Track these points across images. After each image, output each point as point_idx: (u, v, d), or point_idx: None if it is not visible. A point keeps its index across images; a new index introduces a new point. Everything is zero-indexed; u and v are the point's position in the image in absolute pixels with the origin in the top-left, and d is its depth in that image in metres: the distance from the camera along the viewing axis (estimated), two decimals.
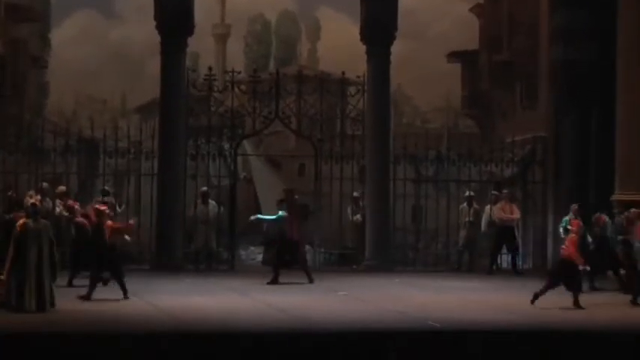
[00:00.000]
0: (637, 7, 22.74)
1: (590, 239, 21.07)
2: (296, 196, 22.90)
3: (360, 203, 26.44)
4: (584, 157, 25.93)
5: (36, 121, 28.39)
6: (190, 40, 25.81)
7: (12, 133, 25.99)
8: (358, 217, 26.27)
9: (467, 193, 26.28)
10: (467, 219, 26.01)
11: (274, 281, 21.04)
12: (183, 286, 21.15)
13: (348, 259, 26.11)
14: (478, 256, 26.39)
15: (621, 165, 23.03)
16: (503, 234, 24.77)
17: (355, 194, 26.39)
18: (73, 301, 17.83)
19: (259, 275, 23.56)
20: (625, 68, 23.02)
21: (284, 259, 21.64)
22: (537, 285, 18.54)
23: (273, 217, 21.76)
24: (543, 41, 28.27)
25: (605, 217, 21.42)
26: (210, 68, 26.52)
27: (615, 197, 22.68)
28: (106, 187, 24.45)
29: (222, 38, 52.20)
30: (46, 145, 25.28)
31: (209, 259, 25.36)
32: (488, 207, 26.02)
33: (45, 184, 23.52)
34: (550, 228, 25.64)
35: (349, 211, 26.43)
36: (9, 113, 29.41)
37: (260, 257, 27.14)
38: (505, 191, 26.02)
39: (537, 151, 27.28)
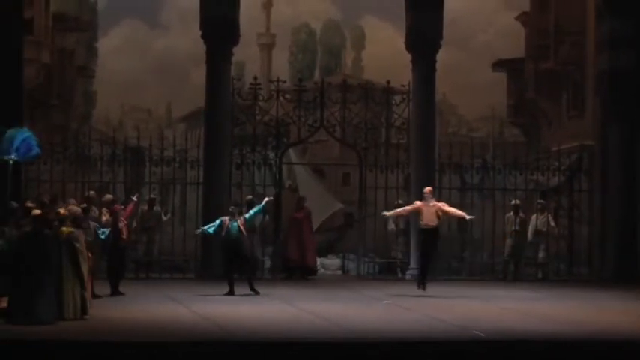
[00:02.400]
0: None
1: None
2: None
3: None
4: (631, 165, 25.73)
5: (83, 131, 28.62)
6: (235, 50, 25.92)
7: (59, 143, 26.22)
8: (393, 226, 26.25)
9: (513, 202, 26.16)
10: (513, 228, 25.91)
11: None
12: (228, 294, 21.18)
13: (392, 268, 26.04)
14: (524, 265, 26.26)
15: None
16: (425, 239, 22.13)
17: (398, 202, 26.32)
18: (119, 309, 17.95)
19: (303, 284, 23.64)
20: None
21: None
22: (579, 294, 18.37)
23: (215, 224, 21.39)
24: (590, 49, 28.12)
25: None
26: (255, 77, 26.62)
27: None
28: (152, 196, 24.58)
29: (267, 47, 52.27)
30: (92, 154, 25.48)
31: (254, 268, 25.37)
32: (534, 216, 25.90)
33: (92, 193, 23.69)
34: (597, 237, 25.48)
35: (391, 220, 26.39)
36: (56, 123, 29.70)
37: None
38: (541, 201, 25.96)
39: (584, 160, 27.10)
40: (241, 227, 20.48)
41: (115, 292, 20.39)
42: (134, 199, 21.69)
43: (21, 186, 22.63)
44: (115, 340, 14.60)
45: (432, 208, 21.10)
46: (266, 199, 22.15)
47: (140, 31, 44.92)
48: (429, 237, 21.22)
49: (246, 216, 21.21)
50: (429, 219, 21.02)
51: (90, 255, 17.32)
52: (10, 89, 23.03)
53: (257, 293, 20.45)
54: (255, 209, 21.76)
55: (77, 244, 16.52)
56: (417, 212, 21.45)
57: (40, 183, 24.65)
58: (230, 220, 20.61)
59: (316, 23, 50.90)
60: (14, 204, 18.18)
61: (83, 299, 16.58)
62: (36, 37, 27.48)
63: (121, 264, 20.92)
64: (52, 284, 16.02)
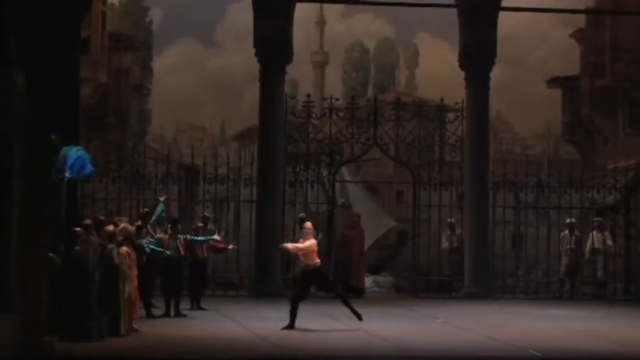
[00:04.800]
0: None
1: None
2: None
3: (456, 230, 26.31)
4: None
5: (138, 148, 28.82)
6: (289, 68, 26.01)
7: (114, 160, 26.43)
8: (446, 244, 26.17)
9: (568, 220, 25.94)
10: (568, 246, 25.70)
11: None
12: (282, 312, 21.16)
13: (446, 286, 25.92)
14: (581, 284, 26.02)
15: None
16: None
17: (450, 220, 26.25)
18: (173, 326, 18.03)
19: (356, 302, 23.54)
20: None
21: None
22: (637, 314, 18.14)
23: (202, 238, 21.21)
24: None
25: None
26: (308, 95, 26.66)
27: None
28: (207, 214, 24.68)
29: (320, 65, 52.46)
30: (147, 172, 25.64)
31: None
32: (592, 234, 25.69)
33: (147, 210, 23.83)
34: None
35: (444, 238, 26.31)
36: (112, 140, 29.98)
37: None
38: (598, 219, 25.75)
39: None
40: (180, 246, 20.19)
41: (198, 307, 20.89)
42: (231, 247, 22.03)
43: (77, 204, 22.81)
44: (162, 358, 14.66)
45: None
46: (215, 236, 21.55)
47: (195, 50, 45.28)
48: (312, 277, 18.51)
49: (189, 237, 20.65)
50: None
51: (137, 273, 17.40)
52: (67, 108, 23.22)
53: (184, 315, 19.99)
54: (201, 238, 21.06)
55: (117, 262, 16.66)
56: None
57: (95, 201, 24.83)
58: (171, 237, 20.13)
59: (370, 41, 51.02)
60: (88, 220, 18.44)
61: (116, 317, 16.60)
62: (92, 56, 27.79)
63: (202, 280, 21.32)
64: (96, 301, 16.13)
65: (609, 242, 25.83)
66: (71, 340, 15.52)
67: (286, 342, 16.39)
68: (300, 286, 18.50)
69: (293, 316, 17.92)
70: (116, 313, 16.57)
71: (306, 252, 18.13)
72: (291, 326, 17.81)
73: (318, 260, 18.27)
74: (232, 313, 20.31)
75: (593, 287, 26.04)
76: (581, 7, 30.77)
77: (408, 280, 26.68)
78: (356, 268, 25.53)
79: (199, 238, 20.97)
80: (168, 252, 19.66)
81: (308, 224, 18.73)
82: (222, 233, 24.80)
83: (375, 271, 28.65)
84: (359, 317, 17.95)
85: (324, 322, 19.13)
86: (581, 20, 31.88)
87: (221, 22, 45.87)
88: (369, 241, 27.83)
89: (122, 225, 17.91)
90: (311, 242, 18.14)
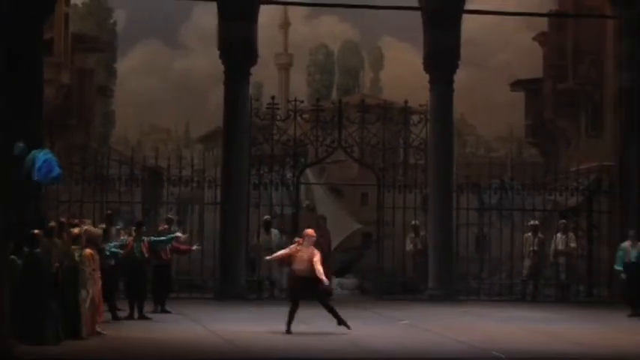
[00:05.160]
0: None
1: None
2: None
3: (420, 232, 26.40)
4: None
5: (101, 150, 28.71)
6: (253, 70, 25.99)
7: (78, 162, 26.29)
8: (411, 247, 26.26)
9: (531, 222, 26.10)
10: (531, 248, 25.84)
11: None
12: (246, 314, 21.18)
13: (410, 288, 25.99)
14: (543, 286, 26.19)
15: None
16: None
17: (415, 223, 26.34)
18: (136, 329, 17.96)
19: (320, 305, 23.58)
20: None
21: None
22: (599, 316, 18.27)
23: (164, 238, 21.12)
24: (609, 69, 28.06)
25: None
26: (273, 97, 26.64)
27: None
28: (170, 216, 24.61)
29: (285, 68, 52.45)
30: (111, 174, 25.53)
31: (272, 288, 25.40)
32: (555, 236, 25.86)
33: (109, 212, 23.74)
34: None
35: (408, 240, 26.39)
36: (75, 142, 29.80)
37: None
38: (563, 221, 25.97)
39: (603, 180, 27.00)
40: (144, 250, 20.14)
41: (162, 309, 20.76)
42: (195, 248, 21.92)
43: (41, 206, 22.72)
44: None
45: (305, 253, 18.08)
46: (178, 233, 21.44)
47: (159, 52, 45.14)
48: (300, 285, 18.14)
49: (152, 239, 20.47)
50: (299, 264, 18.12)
51: (102, 276, 17.31)
52: (30, 110, 23.10)
53: (147, 318, 19.87)
54: (164, 238, 20.85)
55: (80, 265, 16.57)
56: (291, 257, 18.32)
57: (59, 203, 24.69)
58: (135, 240, 20.01)
59: (334, 44, 51.07)
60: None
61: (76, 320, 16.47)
62: (56, 57, 27.61)
63: (166, 282, 21.19)
64: (55, 304, 16.02)
65: (572, 244, 25.99)
66: (29, 343, 15.40)
67: (251, 344, 16.37)
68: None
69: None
70: (77, 315, 16.45)
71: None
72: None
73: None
74: (197, 316, 20.27)
75: (555, 289, 26.19)
76: (544, 10, 30.95)
77: (372, 282, 26.73)
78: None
79: (162, 239, 20.88)
80: (121, 252, 19.42)
81: (310, 231, 18.37)
82: (186, 234, 24.77)
83: (339, 273, 28.67)
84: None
85: (293, 325, 19.11)
86: (544, 23, 32.05)
87: (186, 23, 45.73)
88: (333, 244, 27.83)
89: (85, 227, 17.84)
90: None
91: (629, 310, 21.66)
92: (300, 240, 18.18)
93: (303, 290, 17.92)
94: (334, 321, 17.92)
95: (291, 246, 18.38)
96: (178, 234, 21.61)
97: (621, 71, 26.55)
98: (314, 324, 18.50)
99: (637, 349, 16.61)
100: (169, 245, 21.11)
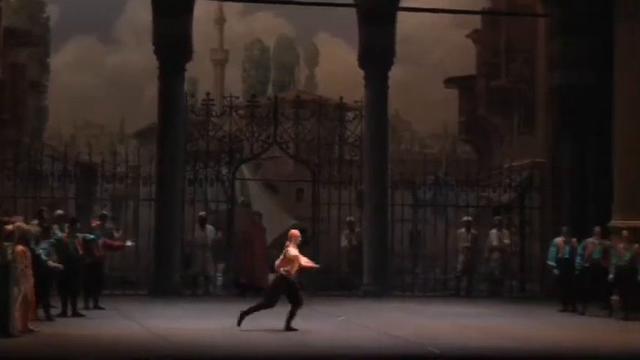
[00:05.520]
0: (633, 34, 22.83)
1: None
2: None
3: (355, 228, 26.50)
4: (582, 182, 26.00)
5: (34, 146, 28.39)
6: (189, 66, 25.88)
7: (10, 158, 25.98)
8: (346, 243, 26.35)
9: (464, 218, 26.33)
10: (465, 244, 26.06)
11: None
12: (180, 311, 21.11)
13: (345, 284, 26.08)
14: (477, 281, 26.43)
15: (619, 191, 23.05)
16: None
17: (350, 219, 26.44)
18: (69, 326, 17.81)
19: (256, 301, 23.60)
20: (622, 94, 23.09)
21: None
22: (531, 311, 18.44)
23: (92, 236, 20.90)
24: (541, 67, 28.38)
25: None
26: (208, 93, 26.57)
27: (613, 224, 22.69)
28: (104, 212, 24.44)
29: (220, 63, 52.34)
30: (44, 170, 25.27)
31: (207, 284, 25.34)
32: (491, 232, 26.11)
33: (42, 208, 23.49)
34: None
35: (343, 236, 26.48)
36: (7, 138, 29.42)
37: None
38: (498, 217, 26.23)
39: (535, 176, 27.32)
40: (78, 246, 20.04)
41: (96, 306, 20.64)
42: (129, 243, 21.78)
43: None
44: (56, 358, 14.48)
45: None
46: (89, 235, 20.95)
47: (93, 47, 44.81)
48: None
49: (87, 236, 20.42)
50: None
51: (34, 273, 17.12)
52: None
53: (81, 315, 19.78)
54: (92, 237, 20.77)
55: (12, 262, 16.37)
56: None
57: None
58: (69, 237, 19.80)
59: (269, 39, 51.11)
60: None
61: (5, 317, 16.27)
62: None
63: (99, 279, 21.02)
64: None
65: (506, 241, 26.25)
66: None
67: (184, 340, 16.31)
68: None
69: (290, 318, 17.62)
70: (6, 313, 16.24)
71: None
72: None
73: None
74: (130, 312, 20.16)
75: (489, 285, 26.45)
76: (478, 8, 31.20)
77: (307, 278, 26.73)
78: (259, 267, 25.52)
79: (91, 236, 20.70)
80: (44, 256, 19.14)
81: (295, 232, 18.23)
82: (120, 232, 24.62)
83: (274, 269, 28.62)
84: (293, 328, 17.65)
85: (227, 321, 19.09)
86: (477, 21, 32.31)
87: (120, 18, 45.47)
88: (269, 240, 27.82)
89: (18, 223, 17.63)
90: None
91: (560, 305, 21.94)
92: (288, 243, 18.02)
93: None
94: (271, 316, 17.90)
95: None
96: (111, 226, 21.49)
97: (553, 70, 26.88)
98: (258, 321, 18.49)
99: (568, 344, 16.84)
100: (100, 239, 20.95)
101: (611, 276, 20.84)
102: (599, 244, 21.71)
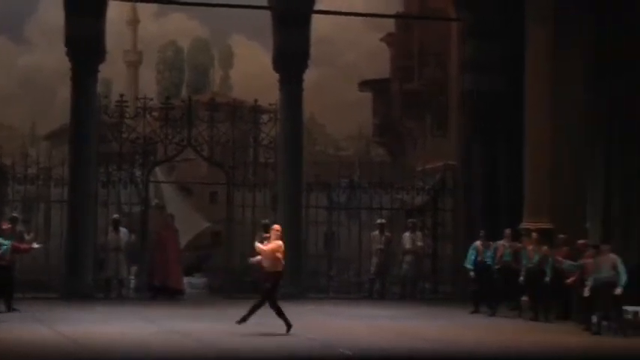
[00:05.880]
0: (543, 40, 23.20)
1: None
2: None
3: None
4: (493, 185, 26.35)
5: None
6: (102, 67, 25.63)
7: None
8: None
9: (378, 221, 26.49)
10: (378, 246, 26.21)
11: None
12: (93, 314, 20.90)
13: (259, 286, 26.02)
14: (391, 283, 26.61)
15: (529, 193, 23.41)
16: None
17: (264, 221, 26.42)
18: None
19: (170, 304, 23.49)
20: (531, 99, 23.46)
21: None
22: (444, 312, 18.61)
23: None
24: (453, 71, 28.70)
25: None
26: (121, 95, 26.37)
27: (524, 226, 23.05)
28: (15, 214, 24.09)
29: (133, 65, 51.91)
30: None
31: (120, 287, 25.14)
32: (404, 234, 26.32)
33: None
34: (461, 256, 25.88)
35: (257, 238, 26.40)
36: None
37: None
38: (412, 220, 26.45)
39: (447, 179, 27.61)
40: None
41: (9, 309, 20.42)
42: (36, 246, 21.45)
43: None
44: None
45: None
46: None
47: (3, 47, 44.10)
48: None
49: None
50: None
51: None
52: None
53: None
54: (5, 244, 20.58)
55: None
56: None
57: None
58: None
59: (184, 41, 50.85)
60: None
61: None
62: None
63: (9, 282, 20.72)
64: None
65: (419, 243, 26.47)
66: None
67: (95, 343, 16.16)
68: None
69: (284, 317, 17.54)
70: None
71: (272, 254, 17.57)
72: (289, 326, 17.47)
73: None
74: (42, 316, 19.90)
75: (402, 287, 26.64)
76: (391, 11, 31.45)
77: (221, 281, 26.69)
78: (173, 269, 25.41)
79: (4, 245, 20.40)
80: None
81: (276, 226, 18.16)
82: (32, 234, 24.29)
83: (188, 272, 28.55)
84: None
85: (140, 324, 18.98)
86: (391, 25, 32.56)
87: (31, 18, 44.84)
88: (182, 242, 27.73)
89: None
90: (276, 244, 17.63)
91: (472, 307, 22.19)
92: (268, 235, 17.96)
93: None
94: (183, 319, 17.84)
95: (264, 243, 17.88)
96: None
97: (464, 73, 27.20)
98: (159, 322, 18.41)
99: (478, 345, 17.06)
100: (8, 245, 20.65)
101: (521, 278, 21.15)
102: (510, 246, 22.02)
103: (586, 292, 18.64)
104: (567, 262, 20.26)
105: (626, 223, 22.36)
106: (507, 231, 22.24)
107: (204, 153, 26.66)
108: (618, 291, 18.27)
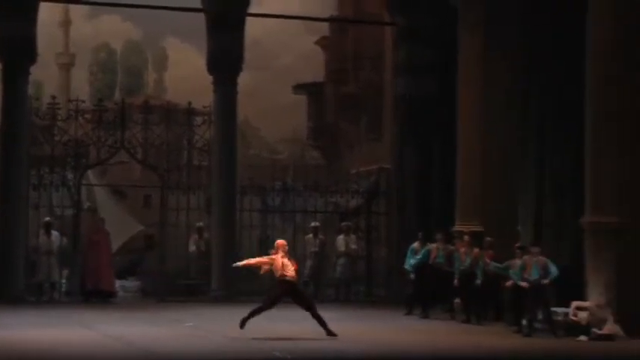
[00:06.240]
0: (475, 44, 23.42)
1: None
2: None
3: (204, 234, 26.44)
4: (426, 188, 26.51)
5: None
6: (33, 69, 25.38)
7: None
8: (194, 248, 26.30)
9: (312, 224, 26.54)
10: (313, 249, 26.27)
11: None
12: (24, 318, 20.67)
13: (193, 290, 25.98)
14: (325, 286, 26.67)
15: (461, 196, 23.61)
16: None
17: (199, 224, 26.37)
18: None
19: (102, 307, 23.33)
20: (464, 103, 23.65)
21: None
22: (377, 315, 18.67)
23: None
24: (387, 75, 28.87)
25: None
26: (53, 97, 26.12)
27: (456, 228, 23.23)
28: None
29: (66, 67, 51.52)
30: None
31: (52, 291, 24.90)
32: (338, 237, 26.40)
33: None
34: (395, 258, 26.02)
35: (192, 241, 26.38)
36: None
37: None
38: (347, 223, 26.54)
39: (381, 182, 27.75)
40: None
41: None
42: None
43: None
44: None
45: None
46: None
47: None
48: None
49: None
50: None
51: None
52: None
53: None
54: None
55: None
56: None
57: None
58: None
59: (117, 43, 50.57)
60: None
61: None
62: None
63: None
64: None
65: (353, 246, 26.56)
66: None
67: (27, 348, 16.00)
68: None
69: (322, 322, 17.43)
70: None
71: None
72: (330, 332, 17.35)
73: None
74: None
75: (336, 289, 26.71)
76: (326, 15, 31.56)
77: (155, 284, 26.55)
78: (105, 272, 25.25)
79: None
80: None
81: (279, 242, 18.10)
82: None
83: (121, 275, 28.37)
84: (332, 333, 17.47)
85: (71, 328, 18.83)
86: (326, 28, 32.67)
87: None
88: (115, 246, 27.54)
89: None
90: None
91: (406, 309, 22.30)
92: (275, 251, 17.76)
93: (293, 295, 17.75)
94: (116, 323, 17.71)
95: (271, 256, 17.83)
96: None
97: (398, 77, 27.35)
98: (94, 327, 18.26)
99: (411, 347, 17.17)
100: None
101: (455, 280, 21.30)
102: (443, 248, 22.18)
103: (525, 284, 18.78)
104: (493, 264, 20.54)
105: (558, 226, 22.60)
106: (439, 234, 22.40)
107: (138, 156, 26.51)
108: (545, 281, 18.52)
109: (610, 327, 17.79)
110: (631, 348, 17.04)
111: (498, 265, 20.21)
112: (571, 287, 18.85)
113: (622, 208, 18.63)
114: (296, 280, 17.90)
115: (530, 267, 18.81)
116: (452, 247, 22.08)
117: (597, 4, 19.11)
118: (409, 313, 22.19)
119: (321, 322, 17.49)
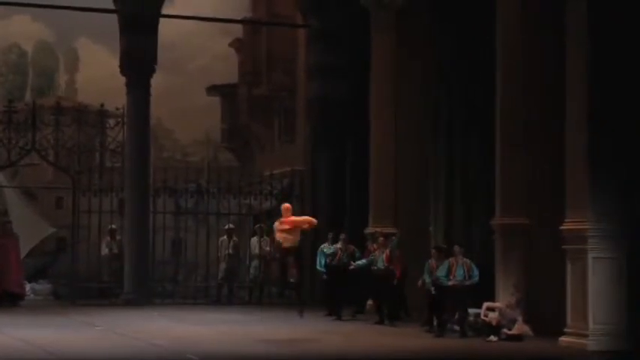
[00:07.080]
0: (388, 48, 23.63)
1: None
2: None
3: (117, 236, 26.29)
4: (339, 190, 26.66)
5: None
6: None
7: None
8: (106, 251, 26.14)
9: (226, 226, 26.54)
10: (226, 251, 26.26)
11: None
12: None
13: (105, 293, 25.80)
14: (238, 288, 26.68)
15: (374, 198, 23.81)
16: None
17: (111, 227, 26.20)
18: None
19: (12, 311, 23.06)
20: (376, 106, 23.86)
21: None
22: (290, 316, 18.74)
23: None
24: (300, 77, 28.97)
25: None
26: None
27: (369, 230, 23.41)
28: None
29: None
30: None
31: None
32: (252, 239, 26.44)
33: None
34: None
35: (104, 244, 26.20)
36: None
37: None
38: (260, 225, 26.58)
39: (295, 184, 27.83)
40: None
41: None
42: None
43: None
44: None
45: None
46: None
47: None
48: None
49: None
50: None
51: None
52: None
53: None
54: None
55: None
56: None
57: None
58: None
59: (27, 44, 49.85)
60: None
61: None
62: None
63: None
64: None
65: (267, 248, 26.60)
66: None
67: None
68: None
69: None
70: None
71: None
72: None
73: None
74: None
75: (250, 291, 26.73)
76: (239, 17, 31.53)
77: (66, 287, 26.31)
78: (16, 275, 24.93)
79: None
80: None
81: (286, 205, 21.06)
82: None
83: (32, 278, 28.04)
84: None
85: None
86: (240, 30, 32.64)
87: None
88: (26, 248, 27.23)
89: None
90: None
91: (325, 310, 22.41)
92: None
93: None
94: (27, 326, 17.49)
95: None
96: None
97: (310, 80, 27.47)
98: (5, 330, 18.03)
99: (323, 348, 17.27)
100: None
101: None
102: (346, 249, 22.39)
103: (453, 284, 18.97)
104: (359, 262, 21.03)
105: (469, 226, 22.87)
106: (343, 235, 22.59)
107: (50, 157, 26.24)
108: (468, 283, 18.74)
109: (519, 327, 18.09)
110: (539, 347, 17.35)
111: (363, 261, 21.09)
112: (481, 288, 19.10)
113: (530, 208, 18.96)
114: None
115: (456, 268, 18.99)
116: (353, 247, 22.34)
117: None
118: (329, 313, 22.28)
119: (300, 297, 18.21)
